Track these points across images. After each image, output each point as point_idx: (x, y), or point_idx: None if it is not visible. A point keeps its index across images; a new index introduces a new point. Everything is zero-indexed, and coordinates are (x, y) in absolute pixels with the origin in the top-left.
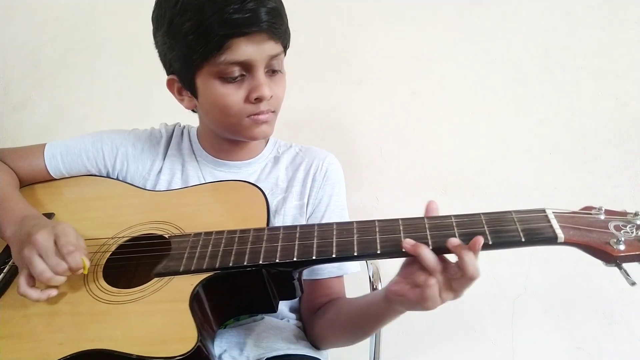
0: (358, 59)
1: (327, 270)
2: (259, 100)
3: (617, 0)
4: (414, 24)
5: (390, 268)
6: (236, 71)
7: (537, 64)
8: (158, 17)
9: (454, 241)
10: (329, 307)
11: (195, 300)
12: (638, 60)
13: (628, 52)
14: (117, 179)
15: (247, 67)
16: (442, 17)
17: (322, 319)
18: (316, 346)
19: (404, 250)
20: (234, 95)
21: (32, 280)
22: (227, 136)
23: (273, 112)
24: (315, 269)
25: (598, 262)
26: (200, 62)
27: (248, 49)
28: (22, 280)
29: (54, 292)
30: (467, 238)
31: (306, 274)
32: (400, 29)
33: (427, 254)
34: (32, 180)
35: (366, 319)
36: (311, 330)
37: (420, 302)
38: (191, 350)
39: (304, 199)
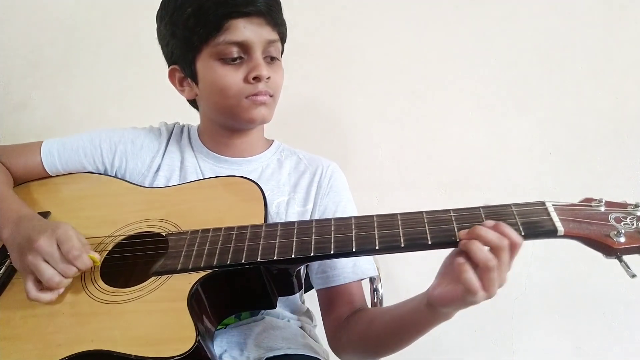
0: (358, 59)
1: (342, 275)
2: (257, 79)
3: (617, 0)
4: (415, 23)
5: (391, 268)
6: (235, 52)
7: (537, 64)
8: (162, 13)
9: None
10: (358, 318)
11: (193, 299)
12: (638, 60)
13: (628, 52)
14: (115, 176)
15: (246, 49)
16: (442, 17)
17: (351, 332)
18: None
19: (458, 241)
20: (233, 76)
21: (39, 284)
22: (227, 122)
23: (271, 96)
24: (329, 275)
25: (598, 263)
26: (200, 44)
27: (246, 31)
28: (30, 286)
29: (61, 290)
30: None
31: (320, 282)
32: (401, 29)
33: (488, 233)
34: (27, 178)
35: (407, 329)
36: (338, 343)
37: (468, 291)
38: (189, 350)
39: (308, 205)
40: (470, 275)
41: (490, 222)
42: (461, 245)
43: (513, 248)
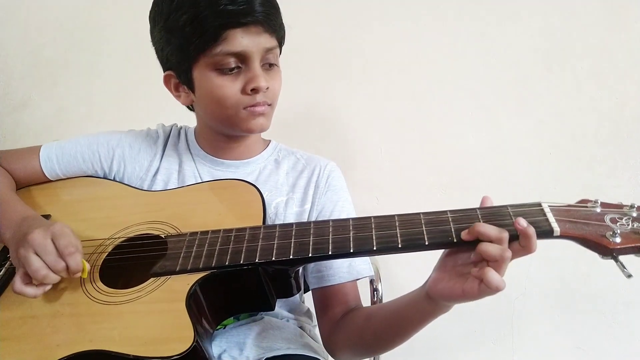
0: (358, 59)
1: (337, 275)
2: (255, 91)
3: (617, 0)
4: (414, 23)
5: (391, 268)
6: (232, 62)
7: (537, 64)
8: (155, 15)
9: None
10: (354, 316)
11: (191, 300)
12: (638, 60)
13: (628, 52)
14: (114, 180)
15: (243, 59)
16: (442, 17)
17: (347, 330)
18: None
19: (455, 241)
20: (230, 86)
21: (28, 278)
22: (224, 130)
23: (270, 105)
24: (324, 275)
25: (598, 263)
26: (196, 54)
27: (244, 40)
28: (17, 279)
29: (48, 287)
30: None
31: (315, 282)
32: (401, 29)
33: (487, 228)
34: (28, 182)
35: (406, 322)
36: (334, 343)
37: (496, 290)
38: (187, 350)
39: (306, 205)
40: (496, 276)
41: (522, 220)
42: (476, 253)
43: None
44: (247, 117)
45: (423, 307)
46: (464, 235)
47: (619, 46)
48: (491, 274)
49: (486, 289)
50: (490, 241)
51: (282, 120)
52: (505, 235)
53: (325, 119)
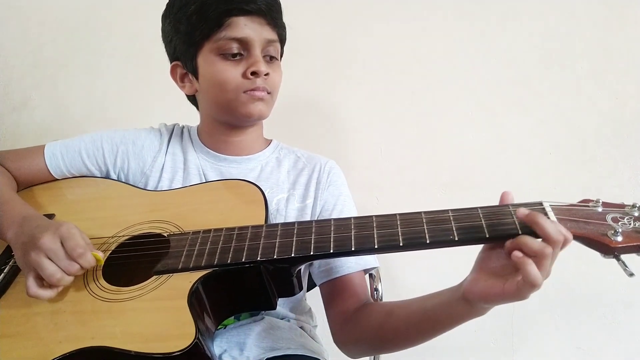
0: (358, 59)
1: (345, 266)
2: (255, 75)
3: (617, 0)
4: (414, 23)
5: (390, 269)
6: (235, 48)
7: (537, 64)
8: (166, 12)
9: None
10: (372, 310)
11: (193, 297)
12: (638, 60)
13: (628, 52)
14: (118, 177)
15: (245, 45)
16: (442, 17)
17: (365, 324)
18: (350, 356)
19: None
20: (232, 70)
21: (41, 281)
22: (225, 117)
23: (269, 93)
24: (332, 267)
25: (598, 263)
26: (201, 40)
27: (247, 28)
28: (31, 283)
29: (60, 288)
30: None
31: (323, 275)
32: (401, 29)
33: (549, 224)
34: (32, 181)
35: (435, 322)
36: (347, 336)
37: (532, 285)
38: (189, 346)
39: (307, 200)
40: (534, 268)
41: (521, 211)
42: (512, 242)
43: (565, 243)
44: (246, 101)
45: (456, 309)
46: (519, 213)
47: (619, 46)
48: (531, 266)
49: (523, 285)
50: (548, 237)
51: (282, 120)
52: (561, 238)
53: (326, 118)
